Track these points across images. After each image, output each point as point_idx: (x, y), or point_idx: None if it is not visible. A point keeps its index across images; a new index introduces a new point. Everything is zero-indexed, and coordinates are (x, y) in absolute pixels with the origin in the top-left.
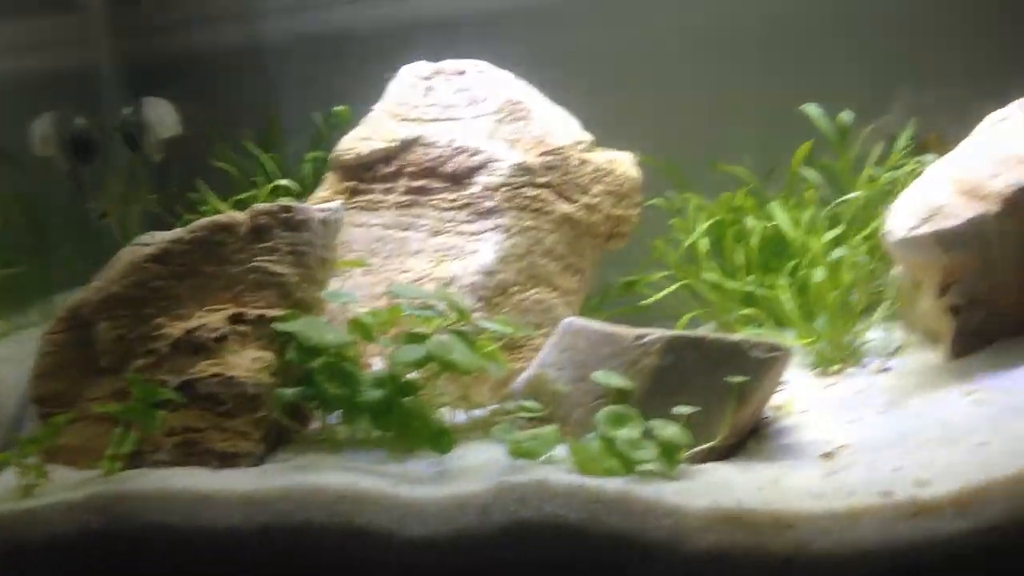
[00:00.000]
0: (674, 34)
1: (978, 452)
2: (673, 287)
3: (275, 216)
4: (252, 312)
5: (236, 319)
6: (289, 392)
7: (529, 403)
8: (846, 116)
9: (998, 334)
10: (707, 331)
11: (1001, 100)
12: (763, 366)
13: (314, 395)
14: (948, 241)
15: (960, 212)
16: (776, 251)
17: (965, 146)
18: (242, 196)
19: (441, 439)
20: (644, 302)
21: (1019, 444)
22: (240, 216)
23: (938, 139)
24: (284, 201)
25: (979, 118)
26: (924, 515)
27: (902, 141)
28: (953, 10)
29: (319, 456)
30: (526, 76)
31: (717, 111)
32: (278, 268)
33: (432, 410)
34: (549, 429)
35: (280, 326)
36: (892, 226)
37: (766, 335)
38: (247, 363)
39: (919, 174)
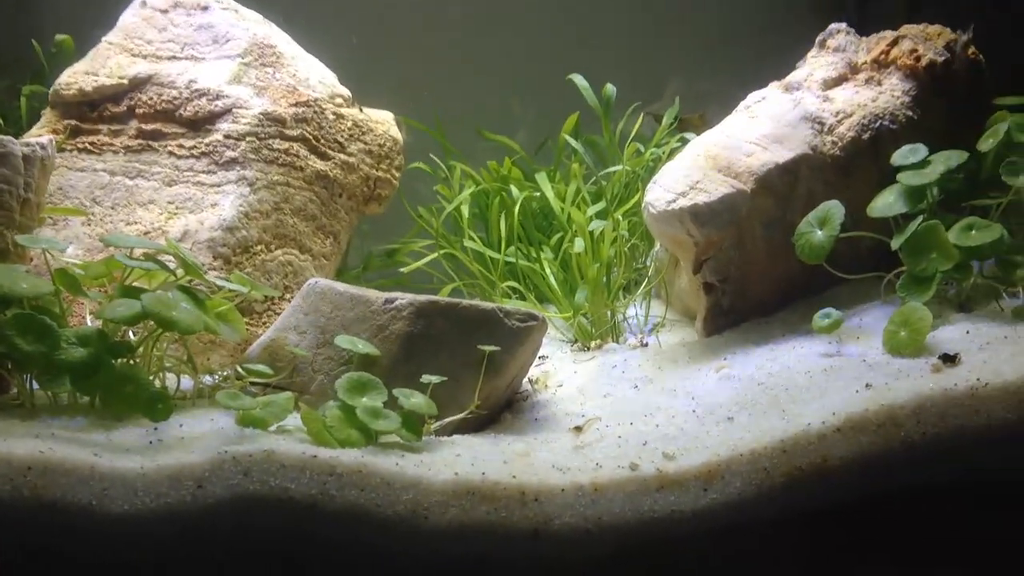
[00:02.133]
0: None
1: (724, 427)
2: (432, 256)
3: None
4: None
5: None
6: None
7: (260, 367)
8: (610, 88)
9: (749, 313)
10: None
11: (766, 82)
12: (518, 336)
13: (5, 352)
14: (703, 216)
15: (715, 188)
16: (542, 223)
17: (723, 124)
18: None
19: (156, 406)
20: (404, 270)
21: (763, 420)
22: None
23: (701, 119)
24: None
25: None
26: (669, 488)
27: (667, 119)
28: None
29: (10, 423)
30: (282, 24)
31: (493, 80)
32: None
33: (152, 375)
34: (283, 396)
35: None
36: (650, 199)
37: (526, 306)
38: None
39: (680, 151)
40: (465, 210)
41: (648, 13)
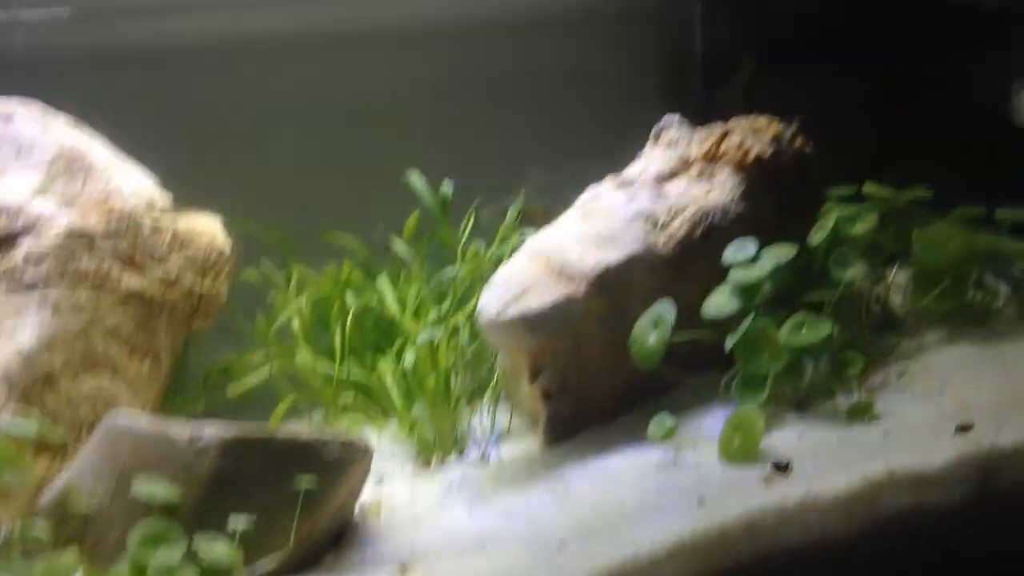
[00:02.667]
0: (286, 92)
1: (556, 557)
2: (266, 371)
3: None
4: None
5: None
6: None
7: (39, 526)
8: (447, 186)
9: (591, 418)
10: (309, 420)
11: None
12: (339, 466)
13: None
14: (535, 323)
15: (548, 293)
16: (387, 329)
17: (558, 223)
18: None
19: None
20: (235, 389)
21: (595, 545)
22: None
23: (543, 212)
24: None
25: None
26: None
27: (511, 215)
28: (574, 93)
29: None
30: (95, 125)
31: (339, 178)
32: None
33: None
34: (65, 557)
35: None
36: (482, 305)
37: (349, 429)
38: None
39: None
40: (296, 321)
41: (496, 104)
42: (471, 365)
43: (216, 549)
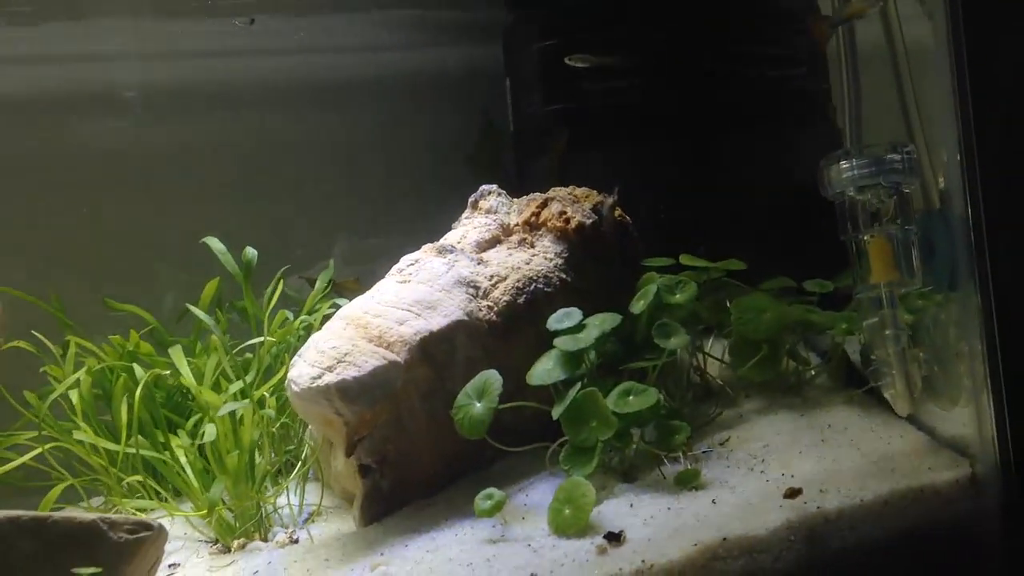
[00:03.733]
0: (69, 154)
1: None
2: (37, 450)
3: None
4: None
5: None
6: None
7: None
8: (250, 251)
9: (413, 493)
10: (87, 506)
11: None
12: (127, 551)
13: None
14: (352, 393)
15: (365, 361)
16: (180, 404)
17: (375, 289)
18: None
19: None
20: (2, 469)
21: None
22: None
23: (356, 283)
24: None
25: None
26: None
27: (320, 283)
28: (384, 162)
29: None
30: None
31: (126, 243)
32: None
33: None
34: None
35: None
36: (293, 375)
37: (136, 514)
38: None
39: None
40: (75, 394)
41: (303, 171)
42: (277, 441)
43: None
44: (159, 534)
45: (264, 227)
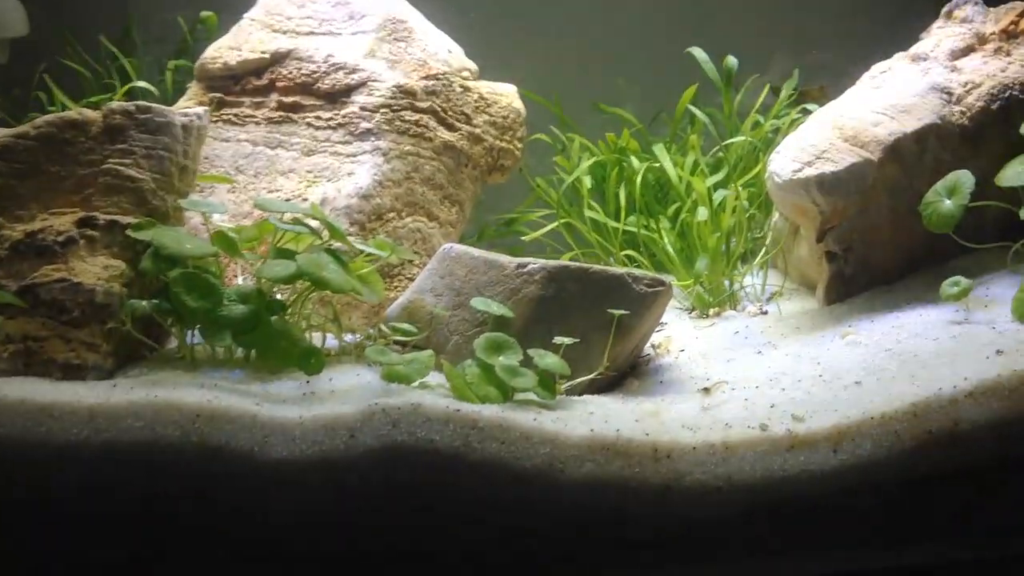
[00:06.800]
0: None
1: (852, 391)
2: (552, 225)
3: (132, 116)
4: (103, 217)
5: (85, 223)
6: (143, 303)
7: (405, 326)
8: (731, 60)
9: (871, 281)
10: None
11: (885, 55)
12: (645, 300)
13: (171, 308)
14: (829, 185)
15: (842, 158)
16: (658, 194)
17: (849, 95)
18: (95, 99)
19: (310, 360)
20: (526, 238)
21: (892, 385)
22: (92, 114)
23: (821, 91)
24: (143, 103)
25: (861, 75)
26: (799, 449)
27: (786, 91)
28: None
29: (175, 374)
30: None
31: (605, 53)
32: (133, 172)
33: (301, 331)
34: (425, 354)
35: (135, 233)
36: (775, 168)
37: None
38: (97, 270)
39: (801, 123)
40: (586, 181)
41: None
42: (746, 229)
43: (547, 360)
44: (668, 290)
45: (727, 37)
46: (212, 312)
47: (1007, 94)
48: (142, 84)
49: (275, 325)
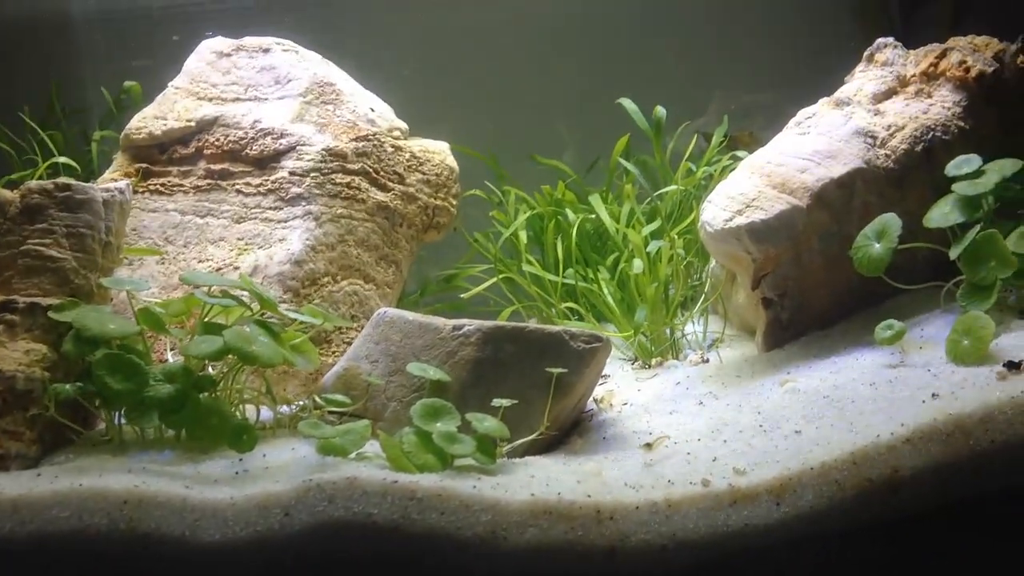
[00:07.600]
0: (494, 26)
1: (792, 441)
2: (491, 281)
3: (50, 195)
4: (23, 300)
5: (4, 307)
6: (67, 387)
7: (339, 397)
8: (660, 111)
9: (809, 326)
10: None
11: (812, 101)
12: (584, 357)
13: (96, 391)
14: (760, 233)
15: (771, 205)
16: (596, 244)
17: (776, 141)
18: (14, 176)
19: (241, 437)
20: (464, 295)
21: (831, 433)
22: (9, 195)
23: (751, 136)
24: (62, 180)
25: (790, 118)
26: (741, 503)
27: (716, 138)
28: (768, 20)
29: (102, 459)
30: (335, 60)
31: (539, 105)
32: (54, 252)
33: (233, 407)
34: (361, 424)
35: (56, 315)
36: (707, 218)
37: (586, 327)
38: (18, 355)
39: (732, 169)
40: (523, 235)
41: (690, 33)
42: (683, 277)
43: (486, 423)
44: (607, 345)
45: (657, 85)
46: (137, 393)
47: (930, 136)
48: (62, 160)
49: (204, 403)
